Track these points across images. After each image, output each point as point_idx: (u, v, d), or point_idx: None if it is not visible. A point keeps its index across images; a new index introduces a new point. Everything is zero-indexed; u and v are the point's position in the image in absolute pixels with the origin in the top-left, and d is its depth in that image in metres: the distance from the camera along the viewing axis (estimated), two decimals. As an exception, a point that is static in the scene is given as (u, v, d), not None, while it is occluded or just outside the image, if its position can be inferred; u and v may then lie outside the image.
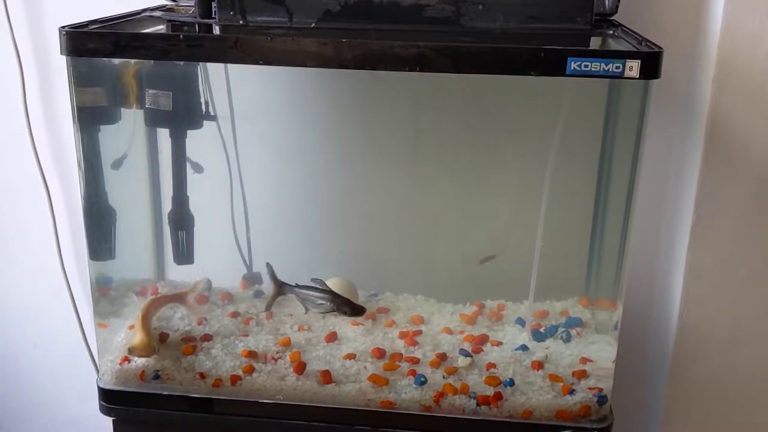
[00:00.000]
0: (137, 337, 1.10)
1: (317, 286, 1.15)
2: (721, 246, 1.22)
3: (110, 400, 1.10)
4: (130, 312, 1.20)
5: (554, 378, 1.08)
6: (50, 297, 1.47)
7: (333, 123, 1.27)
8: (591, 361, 1.11)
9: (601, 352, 1.12)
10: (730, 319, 1.25)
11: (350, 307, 1.14)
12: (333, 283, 1.25)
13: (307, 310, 1.16)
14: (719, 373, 1.27)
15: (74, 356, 1.49)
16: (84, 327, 1.47)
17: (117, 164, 1.13)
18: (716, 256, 1.22)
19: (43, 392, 1.57)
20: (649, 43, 0.94)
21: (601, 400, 1.05)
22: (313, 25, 1.07)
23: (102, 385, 1.11)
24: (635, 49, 0.93)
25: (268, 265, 1.16)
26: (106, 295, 1.17)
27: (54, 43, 1.32)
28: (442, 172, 1.26)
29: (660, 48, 0.91)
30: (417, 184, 1.28)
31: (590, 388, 1.06)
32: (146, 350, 1.09)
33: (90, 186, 1.08)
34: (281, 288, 1.16)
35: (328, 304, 1.13)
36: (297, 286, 1.15)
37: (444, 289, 1.27)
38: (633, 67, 0.88)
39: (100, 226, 1.11)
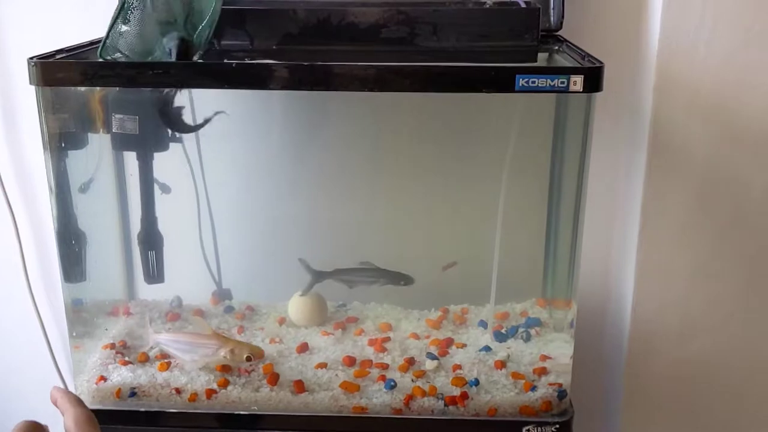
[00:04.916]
0: (245, 347, 1.13)
1: (363, 267, 1.23)
2: (668, 245, 1.28)
3: (87, 419, 1.12)
4: (103, 332, 1.22)
5: (516, 376, 1.13)
6: (20, 323, 1.48)
7: (296, 141, 1.31)
8: (550, 358, 1.16)
9: (559, 349, 1.17)
10: (680, 313, 1.32)
11: (399, 278, 1.22)
12: (302, 296, 1.29)
13: (351, 286, 1.24)
14: (672, 363, 1.34)
15: (46, 381, 1.50)
16: (54, 351, 1.48)
17: (86, 188, 1.16)
18: (664, 254, 1.29)
19: (16, 418, 1.57)
20: (591, 58, 1.00)
21: (561, 394, 1.11)
22: (274, 47, 1.11)
23: (79, 405, 1.12)
24: (579, 65, 0.99)
25: (301, 260, 1.24)
26: (79, 317, 1.19)
27: (15, 71, 1.35)
28: (402, 185, 1.31)
29: (601, 63, 0.97)
30: (378, 197, 1.33)
31: (550, 384, 1.11)
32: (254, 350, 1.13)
33: (61, 210, 1.10)
34: (318, 278, 1.24)
35: (375, 279, 1.22)
36: (336, 271, 1.23)
37: (410, 296, 1.31)
38: (577, 82, 0.94)
39: (72, 249, 1.13)
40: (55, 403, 0.81)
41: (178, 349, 1.14)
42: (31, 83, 0.99)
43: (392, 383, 1.11)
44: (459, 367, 1.15)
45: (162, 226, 1.24)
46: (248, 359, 1.11)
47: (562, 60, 1.07)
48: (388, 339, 1.23)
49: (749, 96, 1.21)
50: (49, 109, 1.05)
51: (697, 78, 1.21)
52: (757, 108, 1.22)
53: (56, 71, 0.99)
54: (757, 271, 1.30)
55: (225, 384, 1.12)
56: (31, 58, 0.98)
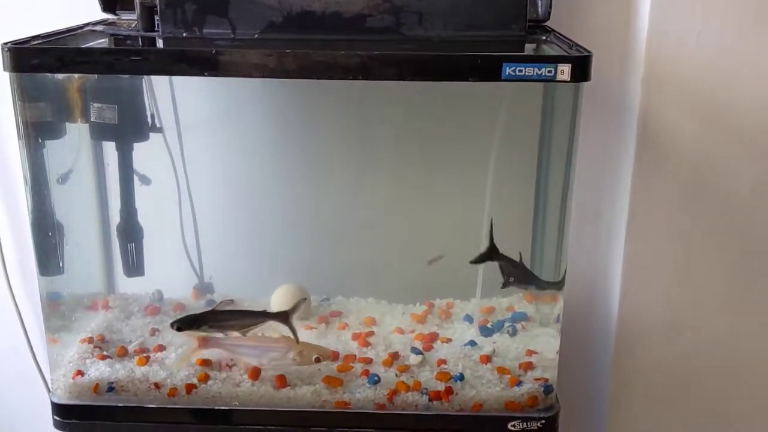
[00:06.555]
0: (313, 348, 1.10)
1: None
2: (656, 239, 1.27)
3: (64, 414, 1.10)
4: (81, 326, 1.20)
5: (502, 371, 1.12)
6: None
7: (279, 131, 1.29)
8: (536, 353, 1.15)
9: (545, 344, 1.16)
10: (667, 309, 1.31)
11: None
12: (285, 290, 1.27)
13: (505, 284, 1.12)
14: (659, 359, 1.33)
15: (25, 376, 1.47)
16: (33, 346, 1.45)
17: (64, 179, 1.13)
18: (651, 248, 1.27)
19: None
20: (579, 48, 0.98)
21: (548, 389, 1.09)
22: (256, 36, 1.09)
23: (55, 400, 1.10)
24: (566, 54, 0.97)
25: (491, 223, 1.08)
26: (56, 310, 1.16)
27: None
28: (388, 176, 1.29)
29: (589, 52, 0.95)
30: (363, 188, 1.31)
31: (536, 379, 1.10)
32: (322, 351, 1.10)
33: (37, 201, 1.08)
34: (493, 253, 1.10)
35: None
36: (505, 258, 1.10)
37: (394, 290, 1.29)
38: (564, 71, 0.92)
39: (48, 241, 1.11)
40: None
41: (244, 353, 1.11)
42: (4, 70, 0.97)
43: (376, 378, 1.10)
44: (444, 361, 1.14)
45: (142, 218, 1.22)
46: (317, 360, 1.09)
47: (550, 50, 1.05)
48: (372, 333, 1.21)
49: (739, 89, 1.20)
50: (24, 97, 1.02)
51: (684, 70, 1.20)
52: (747, 101, 1.21)
53: (31, 57, 0.96)
54: (745, 265, 1.29)
55: (205, 379, 1.10)
56: (5, 44, 0.96)
